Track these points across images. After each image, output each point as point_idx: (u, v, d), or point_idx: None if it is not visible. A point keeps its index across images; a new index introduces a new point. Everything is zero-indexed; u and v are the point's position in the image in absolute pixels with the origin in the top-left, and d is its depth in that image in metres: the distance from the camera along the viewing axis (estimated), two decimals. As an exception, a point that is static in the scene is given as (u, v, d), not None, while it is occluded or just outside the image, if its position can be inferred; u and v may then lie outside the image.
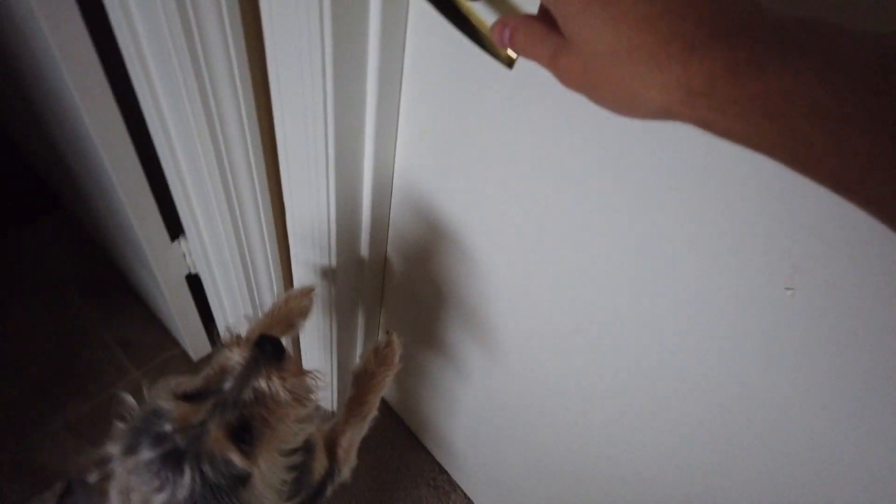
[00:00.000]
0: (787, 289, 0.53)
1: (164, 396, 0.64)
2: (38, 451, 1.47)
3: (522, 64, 0.46)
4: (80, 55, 0.90)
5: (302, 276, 1.13)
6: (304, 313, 0.91)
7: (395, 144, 0.88)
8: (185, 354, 1.64)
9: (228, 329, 0.76)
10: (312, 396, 0.73)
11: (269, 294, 1.20)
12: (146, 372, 1.61)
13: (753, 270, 0.55)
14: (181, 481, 0.60)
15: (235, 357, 0.68)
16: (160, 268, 1.29)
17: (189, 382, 0.68)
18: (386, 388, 0.96)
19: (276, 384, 0.67)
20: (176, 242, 1.27)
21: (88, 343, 1.65)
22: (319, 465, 0.87)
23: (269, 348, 0.68)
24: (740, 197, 0.52)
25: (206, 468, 0.61)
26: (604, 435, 0.90)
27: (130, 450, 0.62)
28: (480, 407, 1.18)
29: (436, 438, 1.48)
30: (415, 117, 0.82)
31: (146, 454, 0.60)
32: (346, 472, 0.95)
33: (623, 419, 0.84)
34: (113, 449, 0.63)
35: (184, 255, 1.30)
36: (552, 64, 0.36)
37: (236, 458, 0.62)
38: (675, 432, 0.76)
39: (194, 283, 1.40)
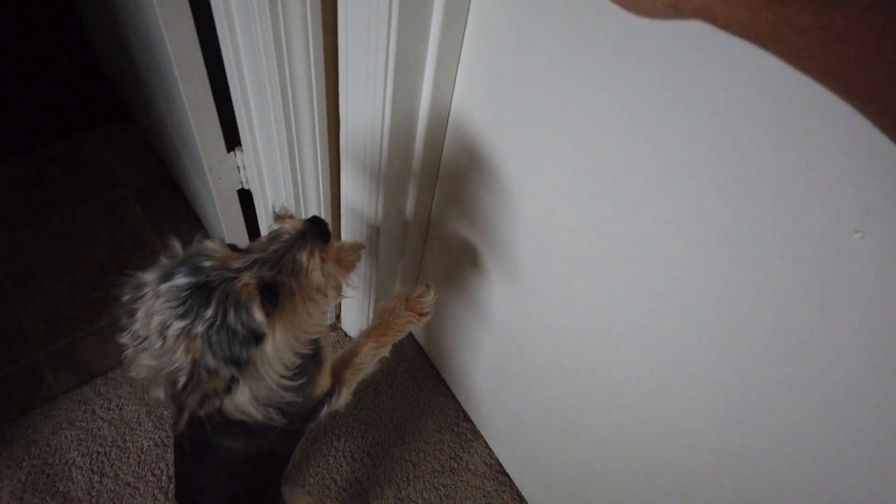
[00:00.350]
0: (857, 231, 0.49)
1: (211, 242, 0.68)
2: (84, 348, 1.52)
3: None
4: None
5: (350, 200, 1.12)
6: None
7: (456, 75, 0.86)
8: (230, 272, 1.67)
9: (285, 205, 0.78)
10: (339, 292, 0.74)
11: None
12: (191, 284, 1.64)
13: (819, 210, 0.51)
14: (204, 313, 0.61)
15: (287, 226, 0.70)
16: (214, 177, 1.30)
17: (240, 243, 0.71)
18: (405, 334, 0.97)
19: (315, 263, 0.69)
20: (232, 153, 1.28)
21: (140, 248, 1.70)
22: (324, 380, 0.88)
23: (319, 227, 0.71)
24: (813, 131, 0.48)
25: (230, 309, 0.62)
26: (618, 390, 0.88)
27: (166, 277, 0.64)
28: (502, 354, 1.17)
29: (463, 386, 1.47)
30: (478, 52, 0.80)
31: (180, 280, 0.62)
32: (342, 400, 0.95)
33: (646, 370, 0.81)
34: (150, 275, 0.66)
35: (238, 169, 1.31)
36: None
37: (257, 312, 0.64)
38: (708, 387, 0.72)
39: (245, 200, 1.42)
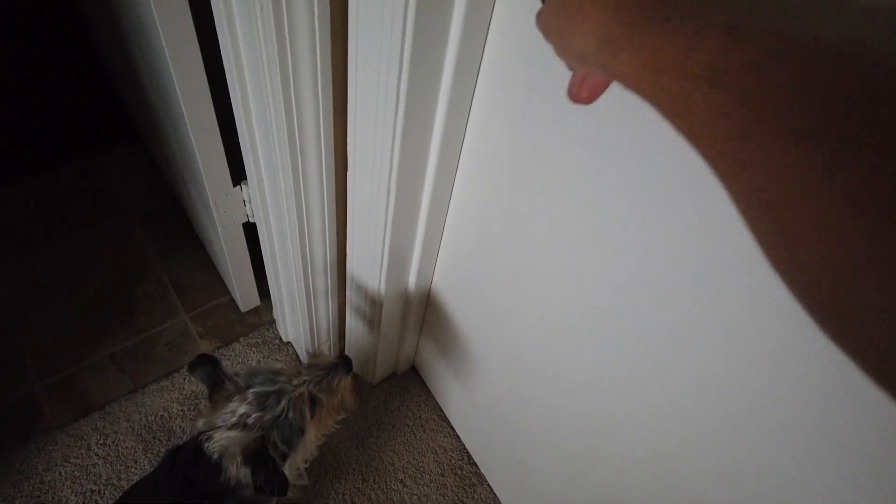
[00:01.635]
0: None
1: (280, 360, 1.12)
2: (82, 380, 1.49)
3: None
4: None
5: (357, 240, 1.09)
6: None
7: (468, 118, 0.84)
8: (233, 304, 1.64)
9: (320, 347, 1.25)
10: (347, 411, 1.07)
11: (322, 251, 1.17)
12: (194, 317, 1.61)
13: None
14: (276, 408, 0.93)
15: (323, 359, 1.03)
16: (219, 211, 1.27)
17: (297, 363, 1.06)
18: None
19: (341, 387, 1.02)
20: (238, 188, 1.25)
21: (144, 277, 1.67)
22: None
23: (348, 363, 1.03)
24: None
25: (292, 408, 0.94)
26: (627, 435, 0.84)
27: (249, 385, 0.95)
28: (508, 396, 1.13)
29: (468, 427, 1.43)
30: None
31: (261, 389, 0.94)
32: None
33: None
34: (241, 380, 0.96)
35: (244, 202, 1.29)
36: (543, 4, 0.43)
37: (307, 414, 0.96)
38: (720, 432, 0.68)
39: (251, 234, 1.39)
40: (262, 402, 0.93)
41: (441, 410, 1.52)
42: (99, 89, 1.97)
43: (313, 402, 0.98)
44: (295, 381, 0.97)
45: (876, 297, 0.22)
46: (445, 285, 1.18)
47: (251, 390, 0.94)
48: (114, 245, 1.73)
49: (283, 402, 0.94)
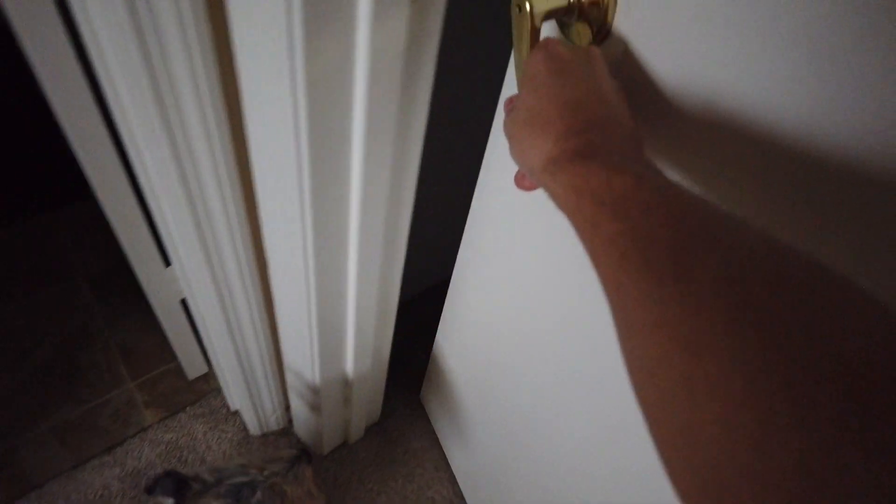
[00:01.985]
0: None
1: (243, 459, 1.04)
2: (21, 456, 1.43)
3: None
4: (69, 80, 0.86)
5: (286, 335, 1.04)
6: None
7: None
8: (180, 370, 1.58)
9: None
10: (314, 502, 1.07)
11: (254, 341, 1.12)
12: (140, 384, 1.56)
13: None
14: (252, 499, 0.93)
15: (289, 451, 1.05)
16: (153, 291, 1.23)
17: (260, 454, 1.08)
18: None
19: (305, 476, 1.03)
20: (170, 267, 1.20)
21: (90, 343, 1.62)
22: None
23: (308, 455, 1.05)
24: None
25: (267, 498, 0.94)
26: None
27: (219, 482, 0.94)
28: (506, 444, 1.08)
29: (467, 473, 1.38)
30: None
31: (235, 480, 0.95)
32: None
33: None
34: (209, 476, 0.96)
35: (179, 280, 1.24)
36: (507, 110, 0.49)
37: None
38: None
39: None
40: (236, 494, 0.93)
41: (396, 480, 1.47)
42: (52, 145, 1.91)
43: (283, 496, 0.99)
44: (266, 472, 0.98)
45: (684, 413, 0.26)
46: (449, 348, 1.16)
47: (225, 483, 0.94)
48: (58, 313, 1.67)
49: (259, 493, 0.94)
